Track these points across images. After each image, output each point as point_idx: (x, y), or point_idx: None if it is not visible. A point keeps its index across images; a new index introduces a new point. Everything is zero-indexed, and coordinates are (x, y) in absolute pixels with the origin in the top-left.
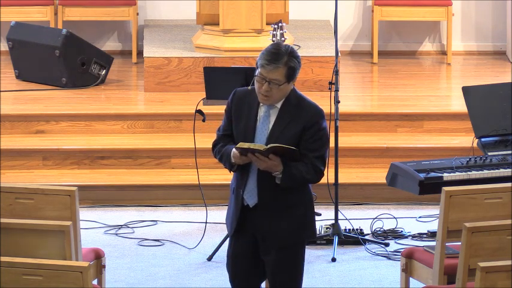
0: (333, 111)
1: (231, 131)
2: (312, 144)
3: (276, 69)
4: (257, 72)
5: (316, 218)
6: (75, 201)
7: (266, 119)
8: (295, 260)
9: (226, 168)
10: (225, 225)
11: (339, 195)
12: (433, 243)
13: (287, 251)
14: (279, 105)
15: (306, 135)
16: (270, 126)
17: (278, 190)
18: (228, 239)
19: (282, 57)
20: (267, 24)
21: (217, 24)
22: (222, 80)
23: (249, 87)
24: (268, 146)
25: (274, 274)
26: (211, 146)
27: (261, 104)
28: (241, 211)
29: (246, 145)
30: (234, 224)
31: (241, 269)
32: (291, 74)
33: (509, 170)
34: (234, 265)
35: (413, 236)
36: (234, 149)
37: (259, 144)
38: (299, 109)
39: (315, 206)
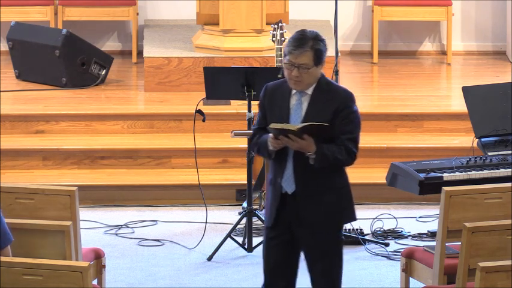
0: None
1: (265, 124)
2: (344, 127)
3: (303, 53)
4: (285, 59)
5: None
6: (75, 201)
7: (299, 106)
8: (335, 244)
9: (265, 157)
10: (264, 218)
11: None
12: (433, 243)
13: (327, 235)
14: (310, 91)
15: (338, 118)
16: (303, 113)
17: (315, 175)
18: (228, 239)
19: (308, 41)
20: (267, 24)
21: (217, 24)
22: (222, 80)
23: (279, 75)
24: (301, 125)
25: (314, 261)
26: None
27: (293, 93)
28: (280, 200)
29: (279, 125)
30: (273, 214)
31: (275, 260)
32: (318, 57)
33: (509, 170)
34: (268, 256)
35: (413, 236)
36: (269, 134)
37: (292, 124)
38: (330, 94)
39: None
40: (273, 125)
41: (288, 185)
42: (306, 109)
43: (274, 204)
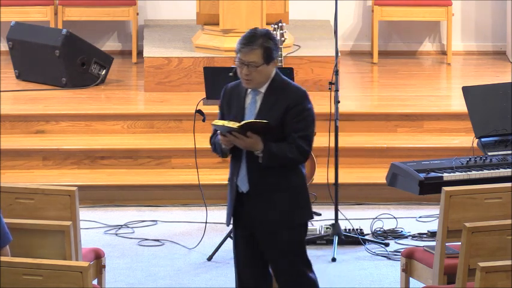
0: (333, 111)
1: None
2: (295, 124)
3: (251, 51)
4: (236, 57)
5: (316, 218)
6: (75, 201)
7: (253, 105)
8: (292, 243)
9: (220, 156)
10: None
11: (339, 195)
12: (433, 243)
13: (281, 234)
14: (263, 89)
15: (290, 115)
16: (256, 111)
17: (267, 174)
18: (228, 239)
19: (257, 39)
20: (267, 24)
21: (217, 24)
22: (222, 80)
23: (231, 74)
24: (242, 122)
25: (274, 261)
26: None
27: (248, 92)
28: (236, 199)
29: (220, 122)
30: (230, 213)
31: (242, 261)
32: (268, 55)
33: (509, 170)
34: (237, 256)
35: (413, 236)
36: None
37: (234, 122)
38: (283, 91)
39: (314, 206)
40: (214, 122)
41: (243, 184)
42: (259, 107)
43: (232, 203)
